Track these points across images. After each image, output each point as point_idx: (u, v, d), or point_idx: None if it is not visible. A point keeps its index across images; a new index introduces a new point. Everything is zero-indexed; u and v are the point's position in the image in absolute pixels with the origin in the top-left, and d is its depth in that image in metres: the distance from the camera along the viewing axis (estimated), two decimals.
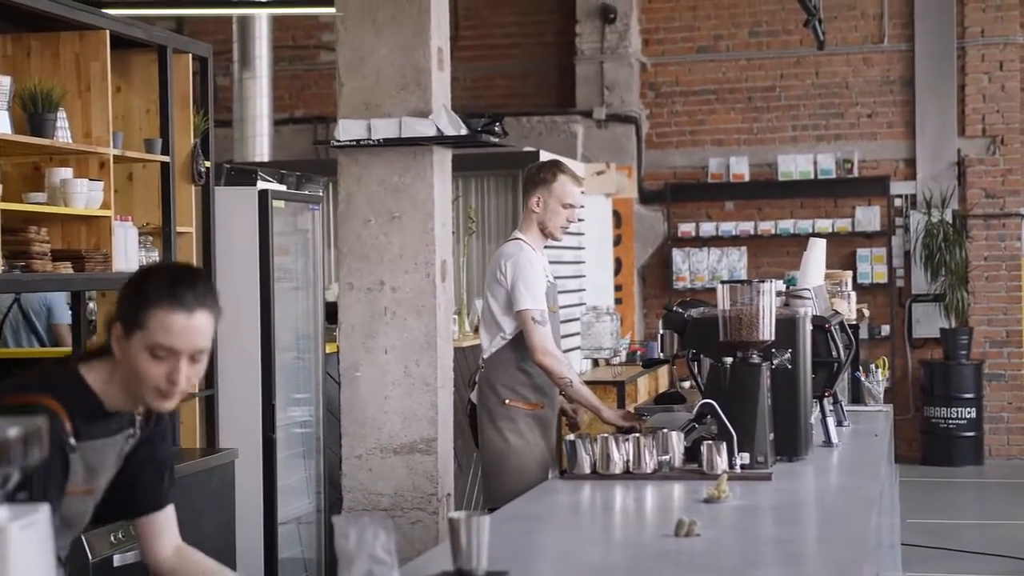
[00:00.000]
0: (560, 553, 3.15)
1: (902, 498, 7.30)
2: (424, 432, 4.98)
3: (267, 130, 10.86)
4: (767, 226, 11.85)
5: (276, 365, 6.11)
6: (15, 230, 4.83)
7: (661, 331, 4.99)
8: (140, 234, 5.36)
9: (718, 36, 12.15)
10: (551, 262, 5.37)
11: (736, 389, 4.03)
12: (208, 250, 5.88)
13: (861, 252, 11.70)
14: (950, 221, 11.46)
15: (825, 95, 11.99)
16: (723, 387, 4.04)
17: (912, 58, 11.80)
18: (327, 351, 6.57)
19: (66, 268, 4.93)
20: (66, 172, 5.00)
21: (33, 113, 4.86)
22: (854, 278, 10.24)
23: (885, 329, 11.63)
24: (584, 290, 9.98)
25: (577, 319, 9.40)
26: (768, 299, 4.06)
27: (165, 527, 2.80)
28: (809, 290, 4.97)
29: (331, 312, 6.00)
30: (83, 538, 3.74)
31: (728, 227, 11.92)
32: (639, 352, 9.80)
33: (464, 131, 4.92)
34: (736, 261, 11.89)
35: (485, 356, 5.10)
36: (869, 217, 11.69)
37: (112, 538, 4.42)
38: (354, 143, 4.96)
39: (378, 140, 4.94)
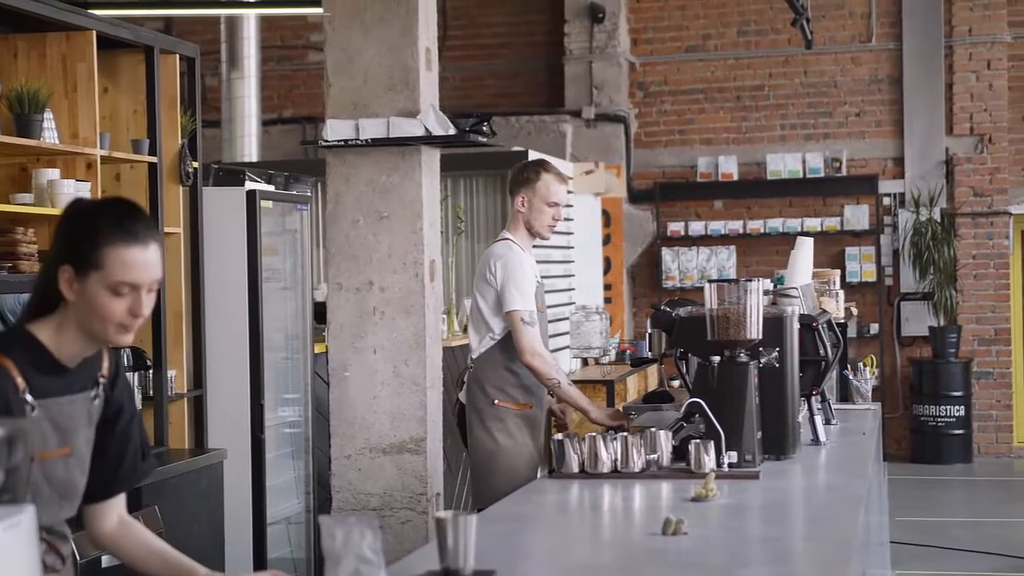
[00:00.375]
0: (548, 552, 3.16)
1: (891, 496, 7.32)
2: (413, 432, 4.98)
3: (255, 130, 10.85)
4: (756, 225, 11.87)
5: (265, 365, 6.11)
6: (2, 231, 4.82)
7: (650, 330, 5.00)
8: None
9: (706, 35, 12.17)
10: (539, 261, 5.38)
11: (724, 388, 4.03)
12: (196, 251, 5.88)
13: (850, 251, 11.72)
14: (938, 219, 11.48)
15: (813, 94, 12.01)
16: (711, 386, 4.05)
17: (900, 57, 11.83)
18: (316, 351, 6.57)
19: None
20: (53, 173, 5.00)
21: (20, 114, 4.86)
22: (843, 277, 10.28)
23: (874, 327, 11.66)
24: (573, 289, 9.98)
25: (566, 318, 9.41)
26: (755, 298, 4.07)
27: (116, 502, 2.78)
28: (796, 289, 4.97)
29: (320, 312, 6.00)
30: (72, 541, 3.72)
31: (717, 226, 11.94)
32: (628, 351, 9.81)
33: (452, 131, 4.92)
34: (725, 260, 11.90)
35: (474, 356, 5.10)
36: (858, 216, 11.71)
37: None
38: (342, 143, 4.95)
39: (366, 140, 4.93)
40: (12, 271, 4.74)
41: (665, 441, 3.98)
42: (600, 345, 9.43)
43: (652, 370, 9.41)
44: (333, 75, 5.00)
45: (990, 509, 9.59)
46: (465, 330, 7.51)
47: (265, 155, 11.05)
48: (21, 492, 2.12)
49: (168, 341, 5.59)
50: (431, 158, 5.10)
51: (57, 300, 2.54)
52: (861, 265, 11.71)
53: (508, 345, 4.98)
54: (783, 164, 11.85)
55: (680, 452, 3.97)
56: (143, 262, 2.50)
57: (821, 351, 4.69)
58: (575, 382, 8.34)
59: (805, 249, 5.48)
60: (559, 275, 9.48)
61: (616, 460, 3.93)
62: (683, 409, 4.09)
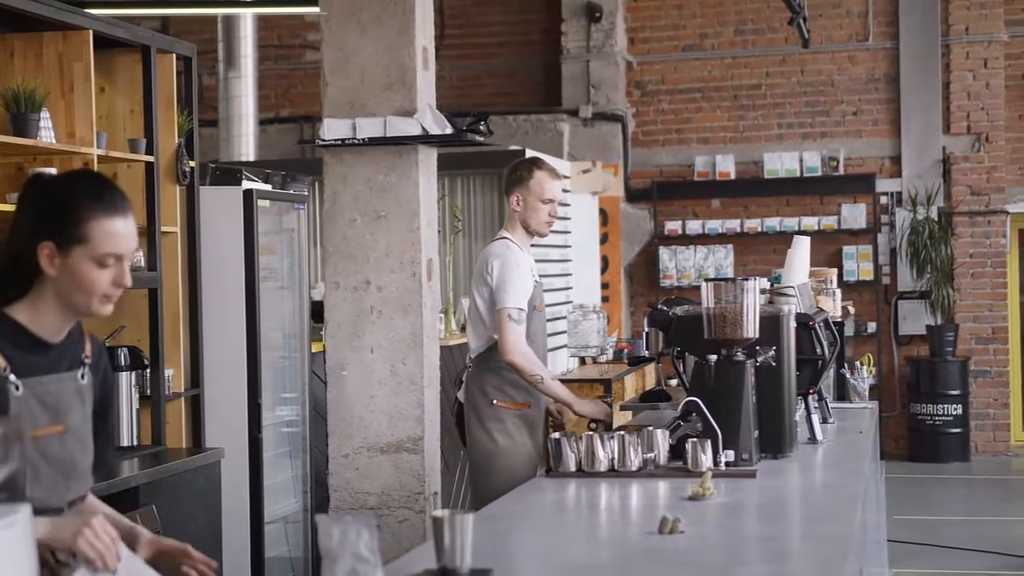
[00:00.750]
0: (544, 551, 3.16)
1: (889, 495, 7.32)
2: (411, 431, 4.98)
3: (252, 129, 10.85)
4: (753, 224, 11.87)
5: (262, 364, 6.11)
6: (1, 232, 4.81)
7: (647, 329, 5.01)
8: None
9: (703, 34, 12.17)
10: (537, 260, 5.38)
11: (721, 387, 4.03)
12: (193, 250, 5.88)
13: (847, 249, 11.72)
14: (935, 218, 11.49)
15: (810, 93, 12.01)
16: (708, 385, 4.05)
17: (897, 56, 11.83)
18: (313, 350, 6.57)
19: None
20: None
21: (16, 113, 4.85)
22: (840, 275, 10.28)
23: (871, 326, 11.66)
24: (571, 288, 9.98)
25: (564, 317, 9.41)
26: (752, 297, 4.07)
27: None
28: (793, 288, 4.98)
29: (317, 311, 6.00)
30: None
31: (714, 225, 11.94)
32: (626, 350, 9.81)
33: (449, 130, 4.93)
34: (723, 259, 11.90)
35: (472, 355, 5.10)
36: (855, 215, 11.71)
37: None
38: (339, 142, 4.96)
39: (363, 139, 4.94)
40: None
41: (662, 440, 3.98)
42: (598, 344, 9.43)
43: (649, 369, 9.41)
44: (330, 74, 5.00)
45: (987, 508, 9.60)
46: (463, 329, 7.52)
47: (262, 154, 11.04)
48: (20, 490, 2.13)
49: (165, 340, 5.59)
50: (428, 157, 5.10)
51: (29, 280, 2.54)
52: (858, 264, 11.71)
53: None
54: (780, 163, 11.86)
55: (677, 451, 3.97)
56: (125, 232, 2.55)
57: (818, 350, 4.69)
58: (572, 381, 8.37)
59: (802, 248, 5.48)
60: (557, 274, 9.48)
61: (613, 459, 3.93)
62: (680, 408, 4.09)
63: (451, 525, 2.51)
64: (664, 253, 11.98)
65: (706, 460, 3.87)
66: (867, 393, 6.03)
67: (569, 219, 9.82)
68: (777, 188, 11.89)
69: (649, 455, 3.95)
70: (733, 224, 11.89)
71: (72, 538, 2.37)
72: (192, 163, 5.84)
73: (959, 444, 11.37)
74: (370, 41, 4.96)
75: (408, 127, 4.91)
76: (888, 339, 11.79)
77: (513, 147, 9.90)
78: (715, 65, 12.15)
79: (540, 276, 5.28)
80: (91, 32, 5.17)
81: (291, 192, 6.98)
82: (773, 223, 11.81)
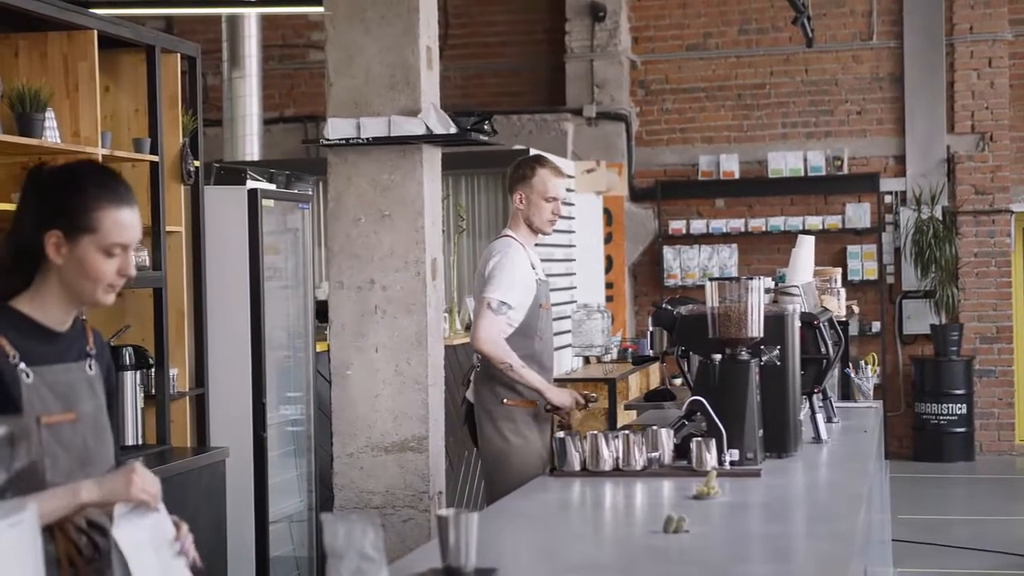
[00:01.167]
0: (549, 550, 3.16)
1: (893, 494, 7.32)
2: (415, 430, 4.98)
3: (257, 129, 10.85)
4: (758, 223, 11.86)
5: (267, 364, 6.11)
6: (3, 230, 4.81)
7: (651, 328, 5.01)
8: None
9: (708, 34, 12.17)
10: (542, 260, 5.39)
11: (725, 386, 4.03)
12: (198, 249, 5.88)
13: (851, 249, 11.71)
14: (940, 218, 11.48)
15: (815, 92, 12.00)
16: (712, 384, 4.05)
17: (901, 55, 11.82)
18: (318, 350, 6.58)
19: None
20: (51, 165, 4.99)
21: (21, 113, 4.86)
22: (844, 275, 10.28)
23: (876, 326, 11.66)
24: (575, 288, 9.98)
25: (568, 317, 9.41)
26: (757, 296, 4.07)
27: None
28: (798, 287, 4.98)
29: (322, 311, 6.00)
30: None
31: (719, 224, 11.93)
32: (630, 349, 9.81)
33: (453, 129, 4.93)
34: (727, 258, 11.90)
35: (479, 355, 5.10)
36: (859, 214, 11.70)
37: None
38: (343, 142, 4.96)
39: (367, 139, 4.94)
40: None
41: (667, 439, 3.98)
42: (602, 343, 9.44)
43: (654, 368, 9.41)
44: (334, 74, 5.00)
45: (992, 507, 9.59)
46: (467, 328, 7.51)
47: (266, 154, 11.05)
48: (40, 478, 2.14)
49: (170, 340, 5.59)
50: (432, 157, 5.10)
51: (32, 271, 2.58)
52: (863, 263, 11.71)
53: (514, 343, 4.99)
54: (784, 162, 11.85)
55: (681, 450, 3.98)
56: (131, 223, 2.60)
57: (823, 349, 4.69)
58: (577, 380, 8.37)
59: (806, 247, 5.48)
60: (561, 273, 9.48)
61: (617, 458, 3.93)
62: (684, 407, 4.09)
63: (456, 524, 2.52)
64: (668, 252, 11.98)
65: (711, 459, 3.87)
66: (871, 392, 6.03)
67: (573, 219, 9.82)
68: (781, 187, 11.88)
69: (654, 454, 3.95)
70: (737, 223, 11.89)
71: (125, 489, 2.47)
72: (196, 163, 5.85)
73: (963, 443, 11.36)
74: (374, 41, 4.96)
75: (412, 127, 4.91)
76: (892, 338, 11.78)
77: (517, 146, 9.90)
78: (719, 64, 12.14)
79: (545, 275, 5.28)
80: (95, 32, 5.18)
81: (295, 192, 6.98)
82: (777, 222, 11.80)
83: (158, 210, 5.50)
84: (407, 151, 4.97)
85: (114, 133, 5.41)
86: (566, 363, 9.28)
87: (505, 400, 5.00)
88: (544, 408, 5.08)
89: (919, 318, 11.66)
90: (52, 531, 2.50)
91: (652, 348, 5.10)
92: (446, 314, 7.57)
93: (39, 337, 2.57)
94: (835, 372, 5.62)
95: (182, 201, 5.78)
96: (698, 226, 11.94)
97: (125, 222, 2.58)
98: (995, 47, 11.68)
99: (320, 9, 5.30)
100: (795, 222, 11.69)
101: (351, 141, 4.95)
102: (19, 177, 5.11)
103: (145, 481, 2.50)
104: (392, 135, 4.92)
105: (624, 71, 12.11)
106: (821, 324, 4.70)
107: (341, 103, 4.99)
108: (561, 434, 4.02)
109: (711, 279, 4.18)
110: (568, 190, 9.19)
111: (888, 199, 11.82)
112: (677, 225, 12.00)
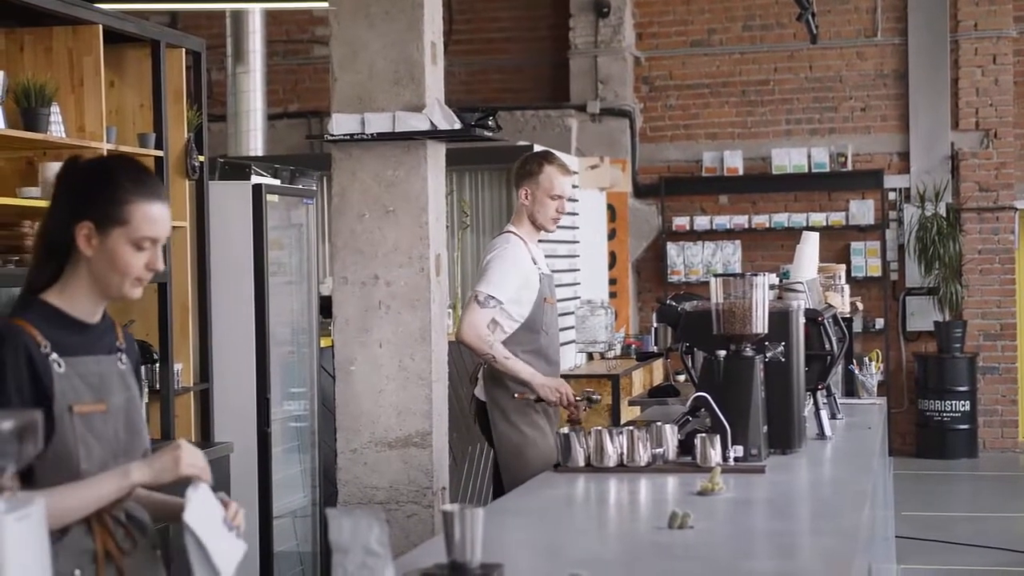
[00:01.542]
0: (554, 545, 3.16)
1: (897, 491, 7.33)
2: (419, 426, 4.98)
3: (261, 124, 10.85)
4: (761, 220, 11.86)
5: (271, 359, 6.12)
6: (9, 225, 4.83)
7: (655, 325, 5.01)
8: None
9: (712, 30, 12.16)
10: (545, 256, 5.39)
11: (729, 382, 4.03)
12: (202, 245, 5.89)
13: (855, 246, 11.71)
14: (944, 215, 11.48)
15: (819, 89, 12.00)
16: (717, 380, 4.05)
17: (905, 52, 11.81)
18: (322, 345, 6.58)
19: None
20: (59, 167, 4.99)
21: (26, 108, 4.86)
22: (848, 271, 10.26)
23: (879, 322, 11.66)
24: (579, 284, 9.98)
25: (572, 313, 9.41)
26: (761, 292, 4.07)
27: None
28: (802, 283, 4.98)
29: (325, 306, 6.00)
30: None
31: (722, 221, 11.93)
32: (634, 346, 9.81)
33: (458, 125, 4.92)
34: (730, 255, 11.89)
35: None
36: (863, 211, 11.70)
37: None
38: (348, 137, 4.95)
39: (372, 134, 4.93)
40: (19, 264, 4.75)
41: (671, 435, 3.98)
42: (605, 339, 9.44)
43: (658, 364, 9.42)
44: (338, 69, 5.00)
45: (995, 504, 9.59)
46: None
47: (271, 149, 11.05)
48: (75, 467, 2.13)
49: (174, 335, 5.60)
50: (436, 152, 5.10)
51: (61, 263, 2.61)
52: (866, 260, 11.70)
53: (520, 338, 5.00)
54: (788, 159, 11.84)
55: (686, 446, 3.98)
56: (163, 217, 2.62)
57: (827, 345, 4.69)
58: (581, 376, 8.37)
59: (810, 244, 5.48)
60: (564, 269, 9.48)
61: (622, 454, 3.93)
62: (689, 403, 4.09)
63: (461, 519, 2.52)
64: (672, 249, 11.97)
65: (715, 455, 3.88)
66: (875, 389, 6.03)
67: (577, 215, 9.82)
68: (785, 184, 11.88)
69: (658, 450, 3.95)
70: (741, 220, 11.89)
71: (174, 466, 2.55)
72: (201, 158, 5.85)
73: (967, 440, 11.36)
74: (378, 36, 4.96)
75: (417, 122, 4.90)
76: (896, 335, 11.78)
77: (521, 142, 9.90)
78: (723, 61, 12.14)
79: (550, 270, 5.28)
80: (101, 27, 5.18)
81: (300, 187, 6.99)
82: (781, 219, 11.80)
83: None
84: (411, 147, 4.97)
85: (119, 128, 5.42)
86: (570, 359, 9.28)
87: (516, 394, 5.01)
88: (532, 399, 5.08)
89: (923, 315, 11.66)
90: (90, 525, 2.51)
91: (656, 344, 5.11)
92: (450, 310, 7.57)
93: (70, 328, 2.59)
94: (839, 369, 5.62)
95: (186, 196, 5.79)
96: (702, 222, 11.94)
97: (156, 216, 2.60)
98: (1000, 44, 11.67)
99: (324, 4, 5.31)
100: (799, 219, 11.68)
101: (355, 137, 4.94)
102: (25, 172, 5.12)
103: (193, 456, 2.57)
104: (396, 131, 4.92)
105: (628, 67, 12.11)
106: (825, 320, 4.70)
107: (345, 98, 4.99)
108: (565, 430, 4.03)
109: (716, 275, 4.18)
110: (572, 186, 9.19)
111: (892, 196, 11.81)
112: (681, 221, 12.00)
